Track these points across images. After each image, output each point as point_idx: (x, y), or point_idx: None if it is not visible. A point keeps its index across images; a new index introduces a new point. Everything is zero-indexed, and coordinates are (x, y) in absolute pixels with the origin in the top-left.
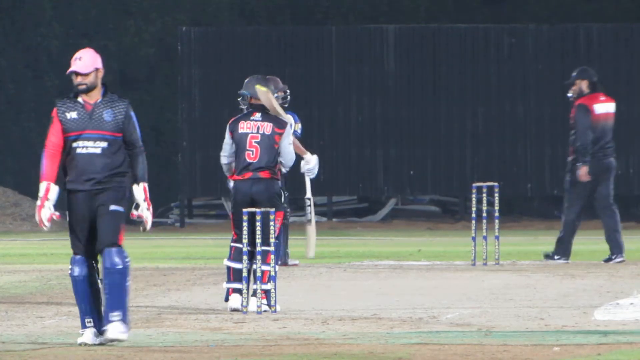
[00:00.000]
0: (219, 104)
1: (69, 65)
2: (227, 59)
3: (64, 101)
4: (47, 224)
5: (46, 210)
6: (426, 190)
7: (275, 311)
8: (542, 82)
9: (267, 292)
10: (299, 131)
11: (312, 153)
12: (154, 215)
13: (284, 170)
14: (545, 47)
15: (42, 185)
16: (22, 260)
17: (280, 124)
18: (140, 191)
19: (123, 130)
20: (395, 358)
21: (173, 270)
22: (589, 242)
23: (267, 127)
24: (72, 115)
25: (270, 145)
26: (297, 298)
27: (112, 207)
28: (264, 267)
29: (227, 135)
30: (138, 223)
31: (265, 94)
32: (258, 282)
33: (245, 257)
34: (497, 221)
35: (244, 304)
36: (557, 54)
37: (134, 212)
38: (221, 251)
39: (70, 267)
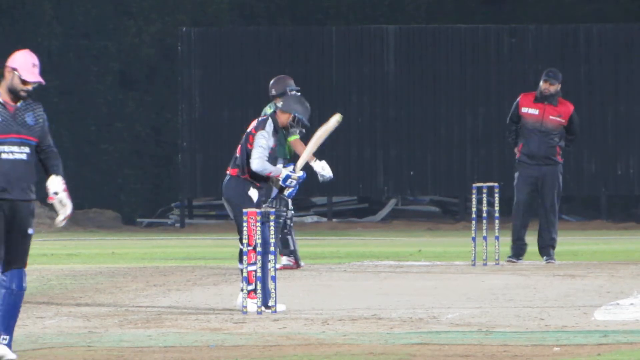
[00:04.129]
0: (219, 104)
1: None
2: (227, 60)
3: None
4: None
5: None
6: (426, 191)
7: (275, 311)
8: None
9: (254, 292)
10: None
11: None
12: (155, 215)
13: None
14: (545, 47)
15: None
16: None
17: (257, 126)
18: (58, 181)
19: (40, 135)
20: (396, 358)
21: (173, 270)
22: (590, 243)
23: (250, 127)
24: None
25: (244, 144)
26: (297, 298)
27: (30, 230)
28: (249, 268)
29: None
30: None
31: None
32: (244, 282)
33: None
34: (497, 221)
35: (244, 304)
36: (557, 54)
37: (54, 196)
38: (221, 251)
39: None
